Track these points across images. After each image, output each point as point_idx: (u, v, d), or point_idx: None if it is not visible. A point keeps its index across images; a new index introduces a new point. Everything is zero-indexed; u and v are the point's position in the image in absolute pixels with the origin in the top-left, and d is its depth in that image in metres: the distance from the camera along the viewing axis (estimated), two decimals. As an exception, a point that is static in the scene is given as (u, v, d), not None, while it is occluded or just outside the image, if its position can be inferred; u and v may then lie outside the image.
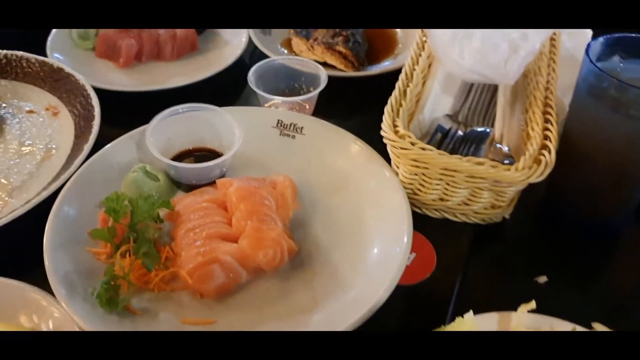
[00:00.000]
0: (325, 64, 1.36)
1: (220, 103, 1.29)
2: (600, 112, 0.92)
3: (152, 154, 0.99)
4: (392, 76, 1.25)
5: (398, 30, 1.51)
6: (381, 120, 0.98)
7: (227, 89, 1.35)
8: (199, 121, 1.07)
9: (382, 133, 0.96)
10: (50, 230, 0.89)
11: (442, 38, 1.04)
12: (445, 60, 1.05)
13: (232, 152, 1.00)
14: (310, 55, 1.38)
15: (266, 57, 1.33)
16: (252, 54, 1.45)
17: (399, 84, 1.06)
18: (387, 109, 1.00)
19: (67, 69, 1.22)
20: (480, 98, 1.15)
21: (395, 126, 0.96)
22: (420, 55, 1.14)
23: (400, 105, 1.01)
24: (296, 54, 1.42)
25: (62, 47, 1.38)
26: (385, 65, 1.39)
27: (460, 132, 1.05)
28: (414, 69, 1.10)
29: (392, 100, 1.02)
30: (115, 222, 0.89)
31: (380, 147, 1.00)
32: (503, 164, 0.95)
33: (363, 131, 1.10)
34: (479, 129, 1.04)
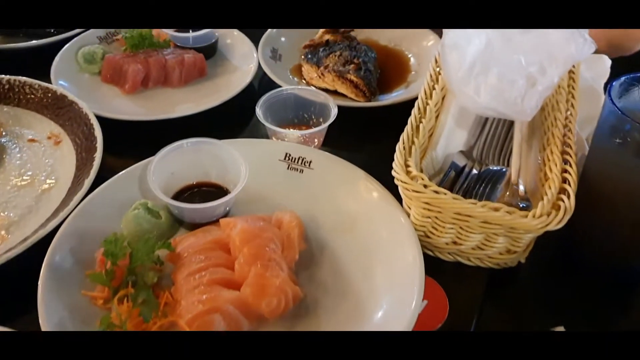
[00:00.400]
0: (335, 92, 1.33)
1: (228, 131, 1.26)
2: (622, 155, 0.87)
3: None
4: (405, 105, 1.22)
5: (411, 57, 1.47)
6: (393, 152, 0.95)
7: (235, 116, 1.32)
8: (203, 155, 1.04)
9: (393, 174, 0.92)
10: (45, 272, 0.85)
11: (457, 73, 1.00)
12: (460, 96, 1.01)
13: (236, 190, 0.96)
14: (320, 83, 1.35)
15: (275, 84, 1.30)
16: (262, 80, 1.41)
17: (411, 119, 1.02)
18: (398, 146, 0.96)
19: (71, 97, 1.19)
20: (495, 132, 1.11)
21: (407, 166, 0.92)
22: (433, 88, 1.10)
23: (413, 142, 0.97)
24: (306, 81, 1.38)
25: (67, 72, 1.35)
26: (398, 94, 1.35)
27: (475, 171, 1.00)
28: (427, 103, 1.06)
29: (404, 137, 0.98)
30: (114, 265, 0.85)
31: (392, 182, 0.95)
32: (519, 207, 0.92)
33: (374, 164, 1.06)
34: (494, 168, 1.00)
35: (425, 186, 0.88)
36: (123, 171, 1.02)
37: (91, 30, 1.47)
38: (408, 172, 0.91)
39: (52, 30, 1.50)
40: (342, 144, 1.21)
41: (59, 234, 0.91)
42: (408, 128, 1.00)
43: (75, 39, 1.43)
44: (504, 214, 0.85)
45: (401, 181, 0.90)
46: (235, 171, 1.00)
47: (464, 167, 1.01)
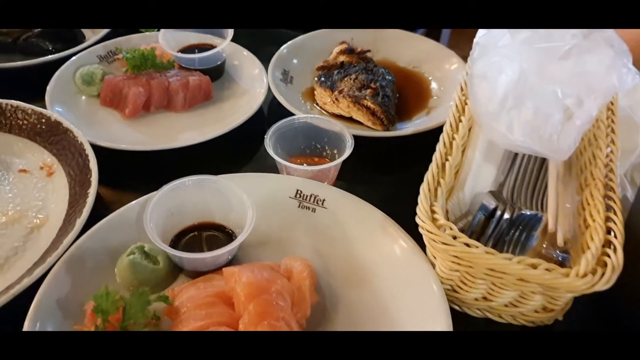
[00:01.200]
0: (351, 119, 1.24)
1: (234, 159, 1.18)
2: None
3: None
4: (426, 134, 1.13)
5: (432, 80, 1.38)
6: (415, 187, 0.86)
7: (242, 142, 1.22)
8: (206, 194, 0.94)
9: (417, 221, 0.82)
10: (29, 328, 0.77)
11: (486, 107, 0.90)
12: (490, 131, 0.92)
13: (241, 238, 0.86)
14: (334, 109, 1.25)
15: (285, 109, 1.20)
16: (271, 104, 1.32)
17: (436, 156, 0.93)
18: (423, 188, 0.86)
19: (66, 124, 1.09)
20: (527, 167, 1.01)
21: (433, 212, 0.82)
22: (460, 120, 1.00)
23: (439, 183, 0.88)
24: (319, 106, 1.29)
25: (64, 94, 1.26)
26: (418, 122, 1.25)
27: (506, 215, 0.90)
28: (454, 138, 0.96)
29: (428, 177, 0.88)
30: (105, 322, 0.76)
31: (414, 224, 0.84)
32: (558, 260, 0.82)
33: (393, 202, 0.99)
34: (528, 213, 0.90)
35: (454, 237, 0.78)
36: (118, 210, 0.93)
37: (91, 49, 1.38)
38: (434, 220, 0.81)
39: (50, 48, 1.42)
40: (357, 177, 1.12)
41: (45, 284, 0.83)
42: (433, 166, 0.90)
43: (73, 57, 1.35)
44: (543, 272, 0.75)
45: (427, 231, 0.80)
46: (241, 212, 0.91)
47: (494, 209, 0.92)
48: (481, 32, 1.04)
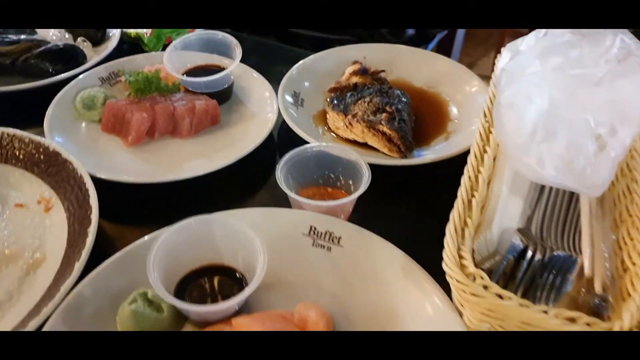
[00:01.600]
0: (365, 145, 1.17)
1: (243, 189, 1.13)
2: None
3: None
4: (446, 161, 1.07)
5: (450, 101, 1.31)
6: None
7: (251, 170, 1.16)
8: (214, 233, 0.88)
9: (445, 268, 0.76)
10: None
11: (515, 139, 0.84)
12: (519, 164, 0.85)
13: (253, 286, 0.79)
14: (348, 134, 1.19)
15: (296, 134, 1.14)
16: (281, 128, 1.25)
17: (461, 192, 0.86)
18: (449, 229, 0.79)
19: (65, 154, 1.03)
20: (556, 199, 0.94)
21: (460, 257, 0.76)
22: (485, 151, 0.93)
23: (465, 223, 0.81)
24: (331, 131, 1.22)
25: (63, 120, 1.20)
26: (438, 148, 1.18)
27: (538, 256, 0.83)
28: (479, 171, 0.90)
29: (454, 217, 0.81)
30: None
31: (437, 264, 0.78)
32: (596, 308, 0.76)
33: (413, 237, 0.93)
34: (562, 255, 0.83)
35: (485, 287, 0.72)
36: (118, 253, 0.87)
37: (92, 70, 1.33)
38: (463, 267, 0.74)
39: (50, 70, 1.36)
40: (373, 209, 1.05)
41: (40, 337, 0.76)
42: (458, 204, 0.84)
43: (74, 80, 1.29)
44: (583, 327, 0.68)
45: (456, 280, 0.73)
46: (251, 254, 0.84)
47: (524, 248, 0.85)
48: (506, 57, 0.98)
